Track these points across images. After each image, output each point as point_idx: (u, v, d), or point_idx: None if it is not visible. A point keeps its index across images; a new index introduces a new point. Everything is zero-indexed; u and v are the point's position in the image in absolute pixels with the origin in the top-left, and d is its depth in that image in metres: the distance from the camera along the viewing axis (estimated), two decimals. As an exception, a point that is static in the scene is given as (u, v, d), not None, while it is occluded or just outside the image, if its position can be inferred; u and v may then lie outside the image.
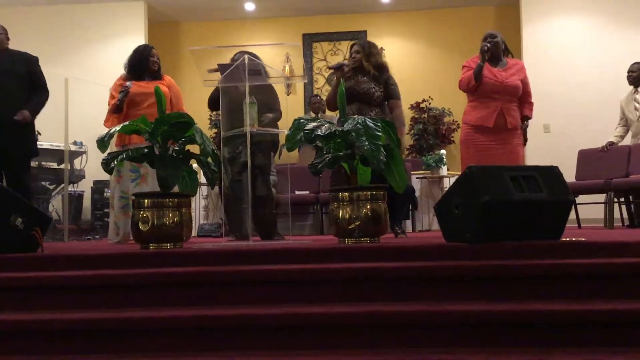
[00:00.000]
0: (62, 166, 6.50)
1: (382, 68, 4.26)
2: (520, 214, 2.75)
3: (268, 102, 4.29)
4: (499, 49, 4.29)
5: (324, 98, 7.81)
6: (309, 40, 9.02)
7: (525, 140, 4.39)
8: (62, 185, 6.55)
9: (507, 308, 2.30)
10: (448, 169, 7.29)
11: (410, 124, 8.31)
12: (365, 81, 4.19)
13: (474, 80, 4.18)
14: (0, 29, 4.47)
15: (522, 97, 4.33)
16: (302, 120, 3.32)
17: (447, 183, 6.96)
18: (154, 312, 2.39)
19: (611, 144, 5.62)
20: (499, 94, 4.21)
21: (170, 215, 3.16)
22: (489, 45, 4.18)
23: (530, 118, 4.40)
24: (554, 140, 7.44)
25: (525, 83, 4.34)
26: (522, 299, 2.40)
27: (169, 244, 3.16)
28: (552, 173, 2.91)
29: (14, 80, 4.32)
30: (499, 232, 2.71)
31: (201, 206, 7.27)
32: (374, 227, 3.11)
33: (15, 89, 4.32)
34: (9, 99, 4.26)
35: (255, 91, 3.85)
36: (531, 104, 4.39)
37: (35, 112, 4.44)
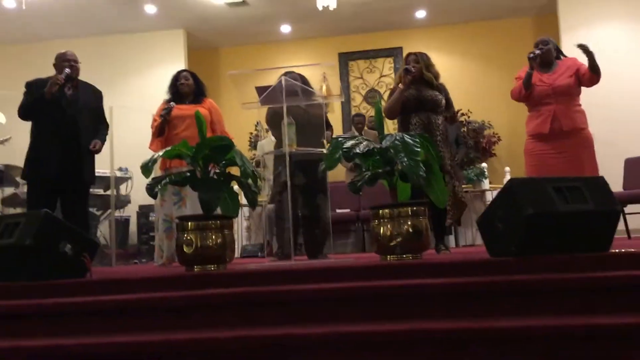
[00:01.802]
0: (108, 192, 6.67)
1: (438, 78, 4.30)
2: (565, 226, 2.69)
3: (322, 115, 4.35)
4: (550, 56, 4.25)
5: (367, 116, 7.81)
6: (345, 59, 9.07)
7: (594, 68, 4.12)
8: (109, 210, 6.72)
9: (557, 322, 2.24)
10: (490, 182, 7.19)
11: (450, 139, 8.24)
12: (428, 89, 4.19)
13: (524, 89, 4.14)
14: (73, 55, 4.50)
15: (582, 79, 4.19)
16: (340, 139, 3.33)
17: (490, 197, 6.87)
18: (200, 334, 2.41)
19: None
20: (550, 97, 4.15)
21: (214, 237, 3.20)
22: (536, 52, 4.14)
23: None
24: (599, 149, 7.20)
25: (582, 69, 4.19)
26: (571, 313, 2.34)
27: (212, 266, 3.19)
28: (597, 183, 2.84)
29: (87, 113, 4.43)
30: (545, 245, 2.66)
31: (243, 227, 7.35)
32: (415, 243, 3.09)
33: (87, 122, 4.43)
34: (81, 132, 4.36)
35: (309, 109, 3.90)
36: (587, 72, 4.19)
37: (104, 142, 4.57)
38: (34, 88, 4.33)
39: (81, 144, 4.35)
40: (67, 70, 4.31)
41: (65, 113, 4.31)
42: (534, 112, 4.27)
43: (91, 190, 6.54)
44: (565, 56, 4.42)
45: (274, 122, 4.27)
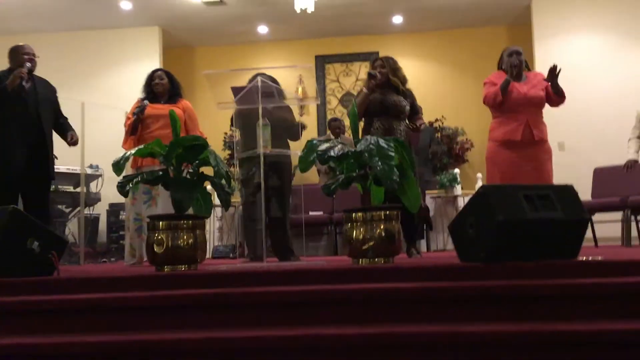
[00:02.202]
0: (78, 189, 6.57)
1: (405, 83, 4.29)
2: (535, 234, 2.73)
3: (292, 120, 4.34)
4: (523, 66, 4.31)
5: (343, 120, 7.81)
6: (322, 62, 9.09)
7: (555, 85, 4.21)
8: (78, 208, 6.62)
9: (524, 328, 2.27)
10: (462, 188, 7.27)
11: (423, 144, 8.31)
12: (393, 94, 4.20)
13: (501, 95, 4.16)
14: (31, 49, 4.42)
15: (550, 95, 4.29)
16: (315, 142, 3.33)
17: (462, 202, 6.94)
18: (169, 335, 2.39)
19: (635, 162, 5.20)
20: (523, 106, 4.19)
21: (185, 237, 3.17)
22: (520, 60, 4.20)
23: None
24: (568, 158, 7.39)
25: (548, 89, 4.29)
26: (539, 319, 2.37)
27: (183, 266, 3.17)
28: (567, 192, 2.89)
29: (47, 106, 4.37)
30: (514, 251, 2.69)
31: (215, 228, 7.31)
32: (388, 247, 3.10)
33: (48, 115, 4.37)
34: (44, 125, 4.30)
35: (278, 111, 3.88)
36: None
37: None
38: None
39: (45, 137, 4.29)
40: (28, 64, 4.23)
41: (28, 105, 4.24)
42: (503, 118, 4.25)
43: (60, 187, 6.49)
44: (529, 69, 4.48)
45: (239, 123, 4.23)
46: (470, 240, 2.82)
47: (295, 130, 4.37)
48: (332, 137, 7.22)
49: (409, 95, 4.25)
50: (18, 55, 4.31)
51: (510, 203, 2.71)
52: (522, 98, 4.19)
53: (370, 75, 4.16)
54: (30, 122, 4.23)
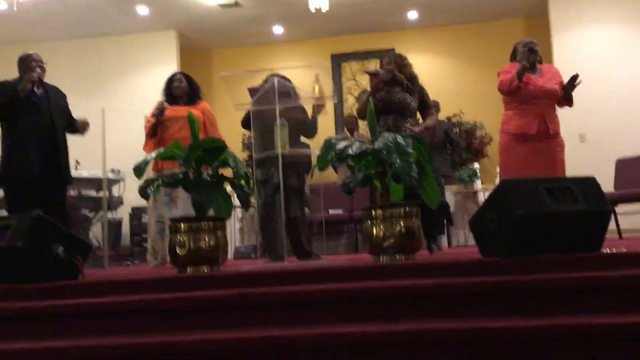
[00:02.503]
0: (100, 194, 6.65)
1: (414, 79, 4.26)
2: (557, 227, 2.71)
3: (305, 118, 4.34)
4: (537, 58, 4.27)
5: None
6: (338, 61, 9.09)
7: (569, 98, 4.22)
8: (101, 212, 6.70)
9: (548, 323, 2.25)
10: (482, 183, 7.22)
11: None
12: (398, 91, 4.19)
13: (517, 80, 4.09)
14: (39, 56, 4.47)
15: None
16: (333, 140, 3.34)
17: (482, 197, 6.90)
18: (193, 336, 2.41)
19: None
20: (538, 99, 4.15)
21: (206, 238, 3.19)
22: (537, 49, 4.16)
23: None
24: (590, 149, 7.31)
25: (561, 83, 4.26)
26: (563, 314, 2.35)
27: (205, 267, 3.19)
28: (589, 184, 2.86)
29: (60, 112, 4.42)
30: (536, 245, 2.67)
31: (236, 229, 7.35)
32: (408, 244, 3.10)
33: (61, 120, 4.42)
34: (57, 130, 4.36)
35: (290, 111, 3.90)
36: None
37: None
38: (0, 89, 4.31)
39: (59, 142, 4.35)
40: (39, 70, 4.30)
41: (41, 111, 4.30)
42: (517, 110, 4.20)
43: (83, 192, 6.57)
44: (541, 61, 4.44)
45: (255, 124, 4.21)
46: (491, 235, 2.81)
47: (311, 126, 4.37)
48: (347, 133, 7.23)
49: (416, 91, 4.22)
50: (27, 63, 4.37)
51: (531, 197, 2.69)
52: (538, 90, 4.14)
53: (370, 73, 4.17)
54: (44, 127, 4.29)
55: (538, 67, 4.28)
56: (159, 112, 4.44)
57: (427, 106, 4.27)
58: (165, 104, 4.50)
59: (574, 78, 4.12)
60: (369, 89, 4.30)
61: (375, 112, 4.14)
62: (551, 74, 4.27)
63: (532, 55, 4.12)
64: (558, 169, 4.13)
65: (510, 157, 4.19)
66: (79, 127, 4.50)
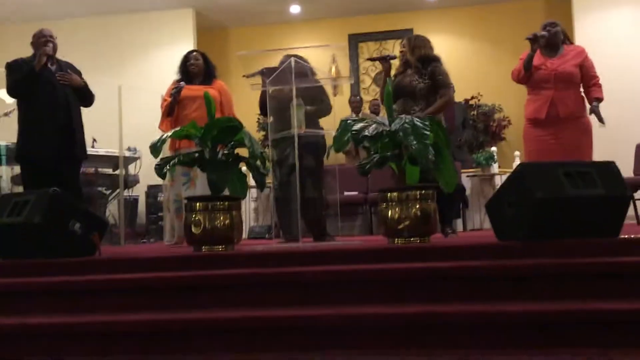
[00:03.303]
0: (117, 172, 6.69)
1: (426, 60, 4.13)
2: (575, 211, 2.68)
3: (316, 96, 4.29)
4: (557, 38, 4.18)
5: (365, 97, 7.82)
6: (355, 41, 9.01)
7: (601, 120, 4.20)
8: (118, 190, 6.75)
9: (563, 307, 2.24)
10: (500, 167, 7.16)
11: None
12: (408, 74, 4.14)
13: (524, 70, 4.08)
14: (49, 31, 4.45)
15: (585, 81, 4.18)
16: (349, 121, 3.31)
17: (499, 181, 6.84)
18: (207, 313, 2.43)
19: None
20: (550, 82, 4.09)
21: (222, 218, 3.20)
22: (538, 34, 4.09)
23: (601, 99, 4.21)
24: (610, 134, 7.17)
25: (586, 67, 4.18)
26: (578, 298, 2.34)
27: (220, 247, 3.21)
28: (608, 168, 2.82)
29: (69, 88, 4.44)
30: (553, 229, 2.65)
31: (251, 208, 7.36)
32: (423, 227, 3.08)
33: (72, 96, 4.43)
34: (66, 106, 4.38)
35: (307, 90, 3.87)
36: (598, 85, 4.21)
37: (87, 89, 4.50)
38: (16, 67, 4.33)
39: (73, 119, 4.36)
40: (50, 45, 4.31)
41: (55, 87, 4.31)
42: (532, 95, 4.19)
43: (100, 169, 6.61)
44: (571, 42, 4.35)
45: (271, 104, 4.18)
46: (508, 219, 2.78)
47: (325, 107, 4.34)
48: (353, 114, 7.25)
49: (427, 72, 4.10)
50: (37, 39, 4.39)
51: (549, 180, 2.66)
52: (549, 74, 4.09)
53: (378, 59, 4.16)
54: (59, 104, 4.31)
55: (562, 48, 4.20)
56: (177, 92, 4.43)
57: (438, 86, 4.09)
58: (183, 84, 4.49)
59: (599, 118, 4.16)
60: (392, 70, 4.25)
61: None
62: (572, 55, 4.18)
63: (541, 39, 4.07)
64: (579, 153, 4.05)
65: (528, 143, 4.20)
66: (75, 85, 4.39)
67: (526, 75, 4.11)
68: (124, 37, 8.51)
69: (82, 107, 4.54)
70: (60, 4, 8.11)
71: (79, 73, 4.56)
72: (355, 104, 7.60)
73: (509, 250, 2.62)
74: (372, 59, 4.35)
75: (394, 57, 4.20)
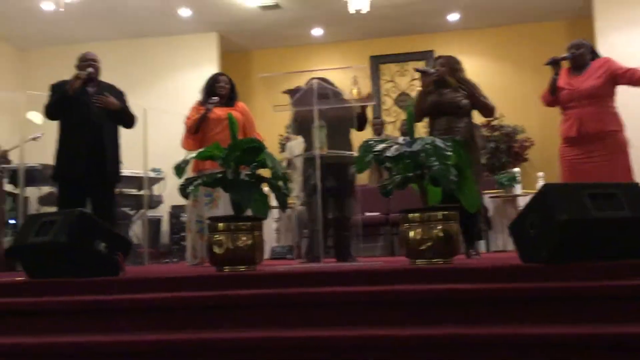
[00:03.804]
0: (141, 192, 6.78)
1: (465, 83, 4.21)
2: (600, 233, 2.64)
3: (351, 115, 4.31)
4: (583, 60, 4.19)
5: (386, 119, 7.82)
6: (376, 62, 9.07)
7: None
8: (142, 210, 6.82)
9: (588, 331, 2.20)
10: (523, 188, 7.10)
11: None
12: (448, 92, 4.16)
13: (550, 94, 4.16)
14: (93, 55, 4.59)
15: (621, 77, 4.11)
16: (370, 142, 3.33)
17: (522, 202, 6.78)
18: (230, 334, 2.44)
19: None
20: (574, 101, 4.11)
21: (244, 238, 3.22)
22: (556, 58, 4.14)
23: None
24: (635, 153, 7.10)
25: (613, 69, 4.12)
26: (602, 321, 2.30)
27: (243, 267, 3.22)
28: (634, 190, 2.79)
29: (104, 110, 4.50)
30: (578, 252, 2.62)
31: (272, 229, 7.39)
32: (446, 248, 3.07)
33: (107, 120, 4.50)
34: (98, 127, 4.45)
35: (333, 111, 3.90)
36: (633, 68, 4.10)
37: (125, 111, 4.57)
38: (57, 88, 4.44)
39: (104, 139, 4.42)
40: (90, 69, 4.40)
41: (90, 110, 4.39)
42: (563, 115, 4.28)
43: (125, 190, 6.71)
44: (598, 56, 4.35)
45: (302, 126, 4.25)
46: (532, 240, 2.76)
47: (358, 120, 4.33)
48: (374, 136, 7.25)
49: (466, 89, 4.16)
50: (80, 62, 4.51)
51: (574, 202, 2.63)
52: (572, 93, 4.10)
53: (421, 72, 4.17)
54: (91, 125, 4.39)
55: (589, 65, 4.19)
56: (212, 106, 4.49)
57: (475, 98, 4.15)
58: (216, 98, 4.54)
59: None
60: (407, 91, 4.29)
61: (431, 115, 4.14)
62: (595, 68, 4.16)
63: (554, 65, 4.15)
64: (613, 170, 4.00)
65: (562, 164, 4.26)
66: (111, 108, 4.46)
67: (553, 99, 4.16)
68: (150, 60, 8.68)
69: (120, 128, 4.61)
70: (89, 28, 8.33)
71: (120, 94, 4.66)
72: (377, 125, 7.63)
73: (532, 273, 2.59)
74: (419, 70, 4.34)
75: (435, 74, 4.21)
